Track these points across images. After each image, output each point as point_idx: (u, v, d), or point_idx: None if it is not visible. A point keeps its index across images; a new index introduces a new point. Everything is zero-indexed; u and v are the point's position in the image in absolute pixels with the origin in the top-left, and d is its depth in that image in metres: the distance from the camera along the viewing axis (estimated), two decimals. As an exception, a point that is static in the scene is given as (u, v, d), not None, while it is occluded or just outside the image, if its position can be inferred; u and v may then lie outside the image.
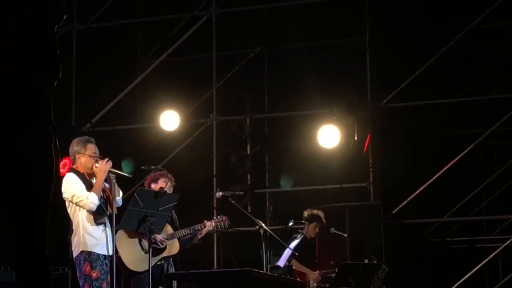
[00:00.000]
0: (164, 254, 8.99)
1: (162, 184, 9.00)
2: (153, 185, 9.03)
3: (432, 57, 12.92)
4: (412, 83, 13.08)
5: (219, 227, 9.57)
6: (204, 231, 9.41)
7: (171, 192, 8.94)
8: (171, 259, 9.12)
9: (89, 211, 7.90)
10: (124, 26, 14.60)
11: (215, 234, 13.10)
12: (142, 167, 9.30)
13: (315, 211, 11.11)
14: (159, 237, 8.79)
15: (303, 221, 11.05)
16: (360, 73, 13.18)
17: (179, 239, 9.18)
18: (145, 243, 8.69)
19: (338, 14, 13.18)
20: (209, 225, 9.41)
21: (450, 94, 13.85)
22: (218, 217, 9.63)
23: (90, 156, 8.01)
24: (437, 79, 13.71)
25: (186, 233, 9.25)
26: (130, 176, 8.72)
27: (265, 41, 14.40)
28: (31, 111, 3.89)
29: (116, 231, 8.13)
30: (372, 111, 12.92)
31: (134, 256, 8.65)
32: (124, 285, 8.98)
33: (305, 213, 11.09)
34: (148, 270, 8.23)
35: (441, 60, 13.00)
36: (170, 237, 9.05)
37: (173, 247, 9.14)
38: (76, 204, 7.89)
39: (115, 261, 7.95)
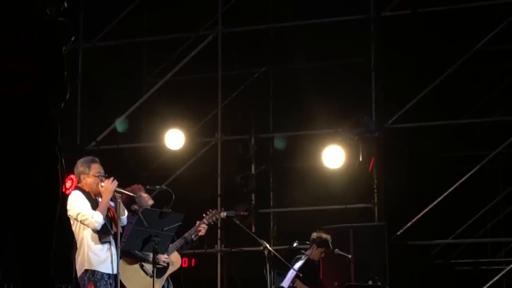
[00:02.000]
0: (169, 271, 8.98)
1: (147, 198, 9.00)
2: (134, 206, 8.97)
3: (437, 78, 12.92)
4: (417, 104, 13.07)
5: (212, 222, 9.50)
6: (201, 233, 9.36)
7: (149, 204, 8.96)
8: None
9: (93, 230, 7.89)
10: (130, 44, 14.63)
11: (219, 254, 13.11)
12: (147, 187, 9.30)
13: (324, 236, 10.86)
14: (162, 257, 8.78)
15: (309, 243, 10.92)
16: (365, 93, 13.18)
17: (177, 250, 9.20)
18: (147, 266, 8.69)
19: (343, 35, 13.20)
20: (203, 227, 9.37)
21: (455, 116, 13.84)
22: (209, 212, 9.53)
23: (95, 176, 8.02)
24: (442, 101, 13.70)
25: (182, 243, 9.23)
26: (135, 195, 8.73)
27: (271, 61, 14.41)
28: (38, 131, 3.91)
29: (121, 250, 8.11)
30: (377, 132, 12.90)
31: (142, 285, 8.58)
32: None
33: (314, 235, 10.86)
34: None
35: (446, 82, 13.00)
36: (170, 252, 9.04)
37: (176, 261, 9.12)
38: (81, 222, 7.88)
39: (119, 282, 7.94)
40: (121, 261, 8.56)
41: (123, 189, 8.24)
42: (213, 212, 9.51)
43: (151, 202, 9.06)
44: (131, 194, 8.50)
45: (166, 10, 14.18)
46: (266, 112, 14.38)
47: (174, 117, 13.54)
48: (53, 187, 3.91)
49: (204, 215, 9.45)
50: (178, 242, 9.17)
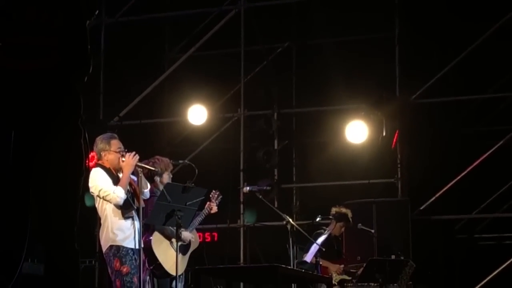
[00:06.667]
0: (192, 249, 9.00)
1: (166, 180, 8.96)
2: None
3: (461, 53, 12.83)
4: (441, 79, 13.00)
5: (217, 203, 9.52)
6: (213, 211, 9.38)
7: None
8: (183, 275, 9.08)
9: (116, 205, 7.91)
10: (152, 20, 14.61)
11: (241, 229, 13.14)
12: (171, 161, 9.29)
13: (344, 210, 10.94)
14: (188, 235, 8.80)
15: (330, 217, 10.95)
16: (389, 68, 13.12)
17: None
18: (175, 243, 8.69)
19: (367, 9, 13.12)
20: (214, 208, 9.37)
21: (479, 90, 13.75)
22: (213, 193, 9.51)
23: (116, 152, 8.03)
24: (466, 75, 13.61)
25: (199, 221, 9.26)
26: (156, 170, 8.71)
27: (294, 36, 14.36)
28: (61, 105, 3.91)
29: (144, 225, 8.14)
30: (400, 106, 12.84)
31: (173, 260, 8.56)
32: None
33: (333, 210, 10.92)
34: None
35: (470, 56, 12.91)
36: (191, 229, 9.05)
37: (196, 238, 9.14)
38: (103, 198, 7.89)
39: (141, 255, 7.95)
40: (156, 234, 8.58)
41: (144, 163, 8.25)
42: (216, 194, 9.49)
43: None
44: (153, 169, 8.48)
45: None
46: (289, 87, 14.36)
47: (197, 92, 13.54)
48: (76, 160, 3.91)
49: (210, 195, 9.45)
50: (196, 220, 9.18)
